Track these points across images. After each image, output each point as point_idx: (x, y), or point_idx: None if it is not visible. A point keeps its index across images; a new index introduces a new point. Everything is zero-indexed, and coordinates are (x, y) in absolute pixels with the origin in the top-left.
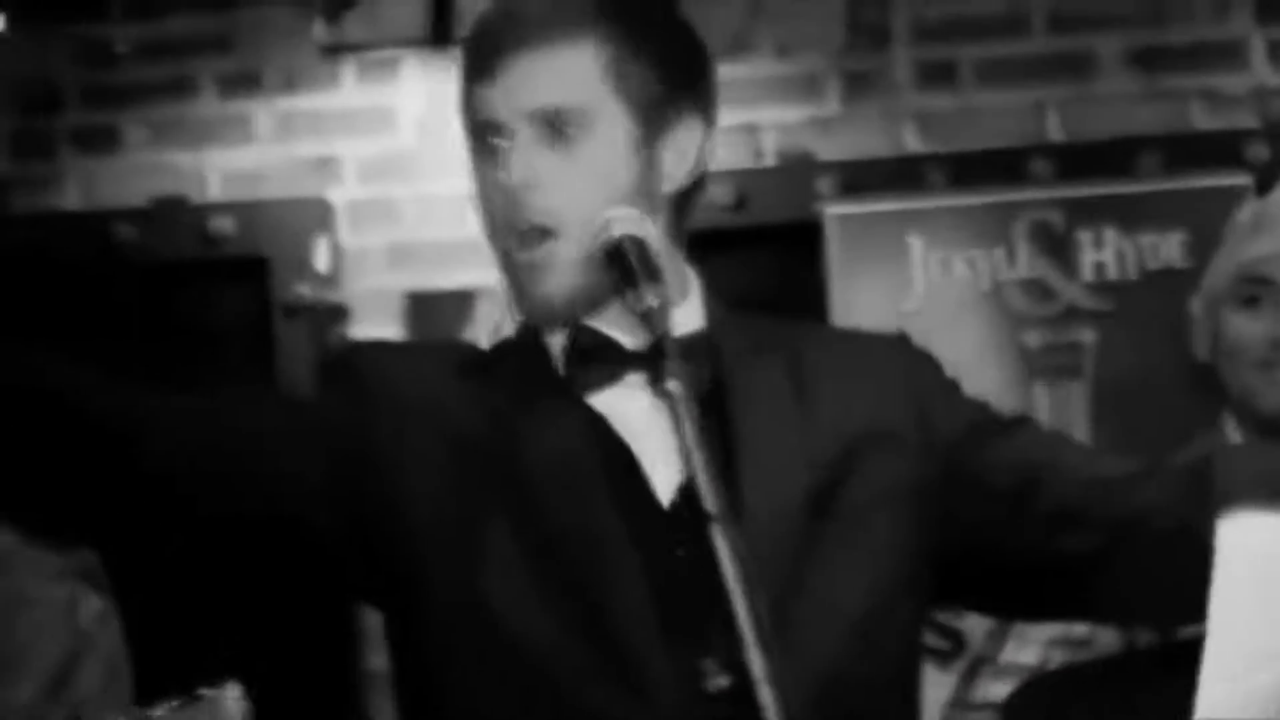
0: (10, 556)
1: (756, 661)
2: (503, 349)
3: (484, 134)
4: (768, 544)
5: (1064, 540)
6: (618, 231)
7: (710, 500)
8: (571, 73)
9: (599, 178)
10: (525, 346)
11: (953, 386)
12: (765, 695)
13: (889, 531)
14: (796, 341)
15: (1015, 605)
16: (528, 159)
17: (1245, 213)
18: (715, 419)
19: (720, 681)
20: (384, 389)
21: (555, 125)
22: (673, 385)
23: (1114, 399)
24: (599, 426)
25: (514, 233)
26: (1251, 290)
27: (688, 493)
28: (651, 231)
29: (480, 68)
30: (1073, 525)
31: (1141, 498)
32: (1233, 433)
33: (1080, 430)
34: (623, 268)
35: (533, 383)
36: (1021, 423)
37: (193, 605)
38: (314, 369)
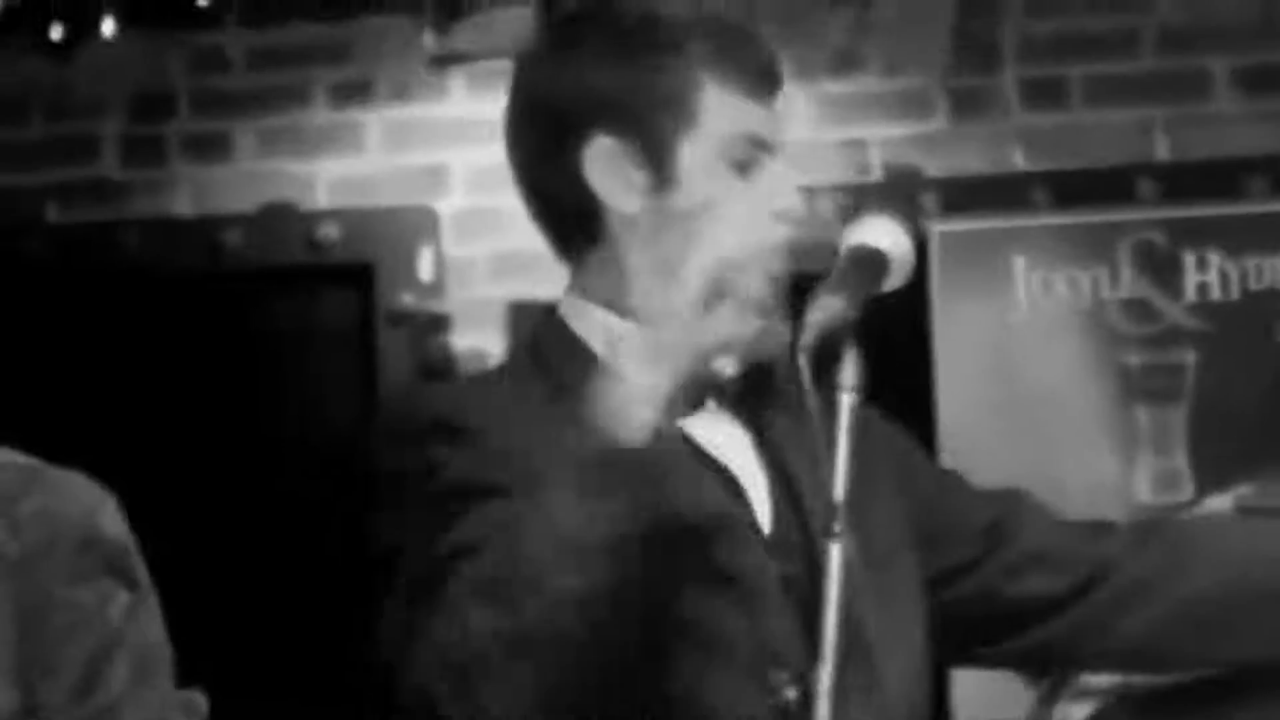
0: (35, 560)
1: (828, 676)
2: (565, 371)
3: (751, 151)
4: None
5: (1032, 581)
6: None
7: (839, 513)
8: None
9: None
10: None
11: (909, 439)
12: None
13: (912, 577)
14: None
15: (972, 651)
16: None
17: None
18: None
19: (790, 694)
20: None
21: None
22: (847, 398)
23: (1215, 420)
24: (702, 454)
25: (776, 256)
26: None
27: (786, 514)
28: None
29: (761, 82)
30: (1041, 567)
31: (1107, 547)
32: None
33: (1180, 452)
34: None
35: None
36: (960, 475)
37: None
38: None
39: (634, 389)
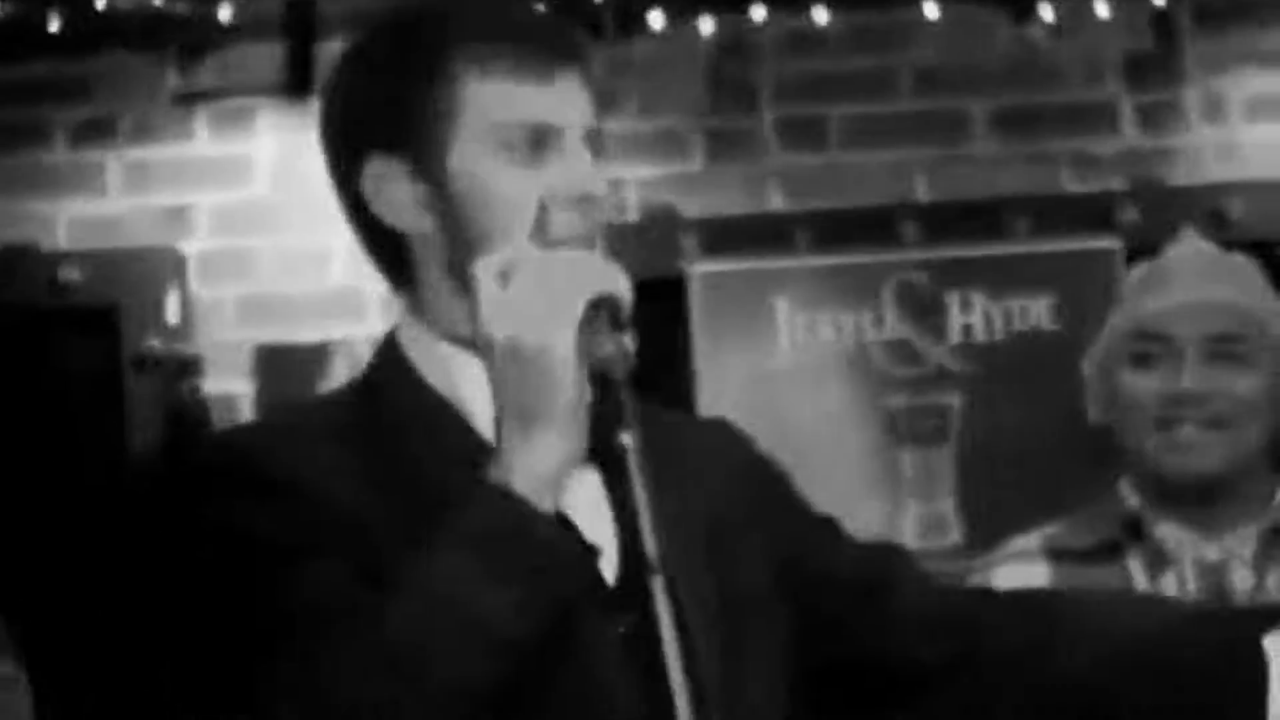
0: None
1: None
2: (398, 408)
3: (528, 136)
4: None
5: (905, 646)
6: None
7: (656, 554)
8: (592, 97)
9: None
10: (429, 407)
11: (785, 478)
12: None
13: (768, 629)
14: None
15: (844, 714)
16: (593, 168)
17: (1138, 271)
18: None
19: None
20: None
21: (597, 146)
22: (626, 439)
23: (981, 463)
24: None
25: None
26: (1145, 347)
27: (629, 567)
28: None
29: (530, 66)
30: (915, 631)
31: (984, 616)
32: (1130, 496)
33: (946, 496)
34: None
35: (457, 454)
36: (838, 523)
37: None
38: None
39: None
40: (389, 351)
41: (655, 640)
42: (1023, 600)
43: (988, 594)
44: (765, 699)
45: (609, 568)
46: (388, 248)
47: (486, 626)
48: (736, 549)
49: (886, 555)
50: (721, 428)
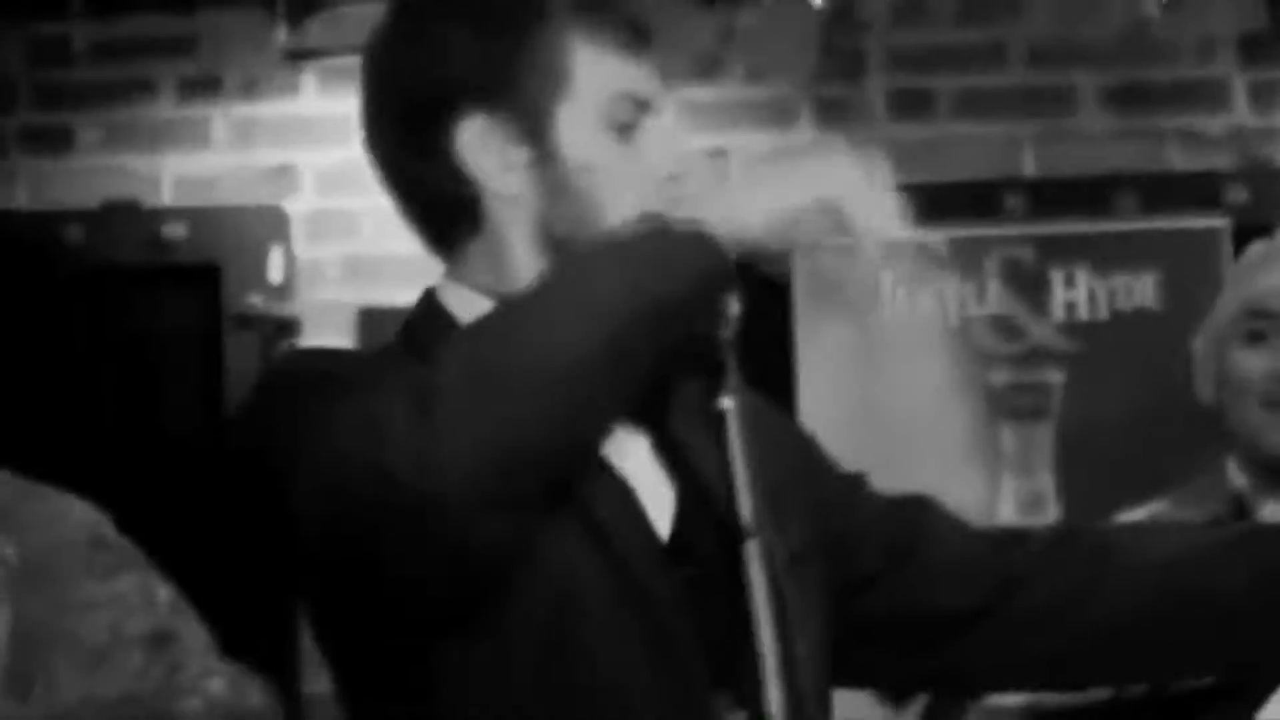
0: (50, 566)
1: (775, 696)
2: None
3: (636, 109)
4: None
5: (940, 596)
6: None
7: (752, 517)
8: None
9: None
10: None
11: (814, 440)
12: None
13: (813, 588)
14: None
15: (878, 671)
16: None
17: (1254, 249)
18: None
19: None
20: None
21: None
22: (728, 401)
23: (1081, 440)
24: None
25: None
26: (1258, 325)
27: (692, 520)
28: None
29: (632, 38)
30: (949, 581)
31: (1019, 560)
32: (1236, 475)
33: (1045, 473)
34: None
35: None
36: (866, 479)
37: None
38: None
39: None
40: (430, 307)
41: (715, 598)
42: (1062, 539)
43: (1024, 535)
44: (812, 655)
45: (664, 525)
46: (459, 206)
47: (596, 298)
48: (787, 510)
49: (918, 508)
50: (752, 394)
